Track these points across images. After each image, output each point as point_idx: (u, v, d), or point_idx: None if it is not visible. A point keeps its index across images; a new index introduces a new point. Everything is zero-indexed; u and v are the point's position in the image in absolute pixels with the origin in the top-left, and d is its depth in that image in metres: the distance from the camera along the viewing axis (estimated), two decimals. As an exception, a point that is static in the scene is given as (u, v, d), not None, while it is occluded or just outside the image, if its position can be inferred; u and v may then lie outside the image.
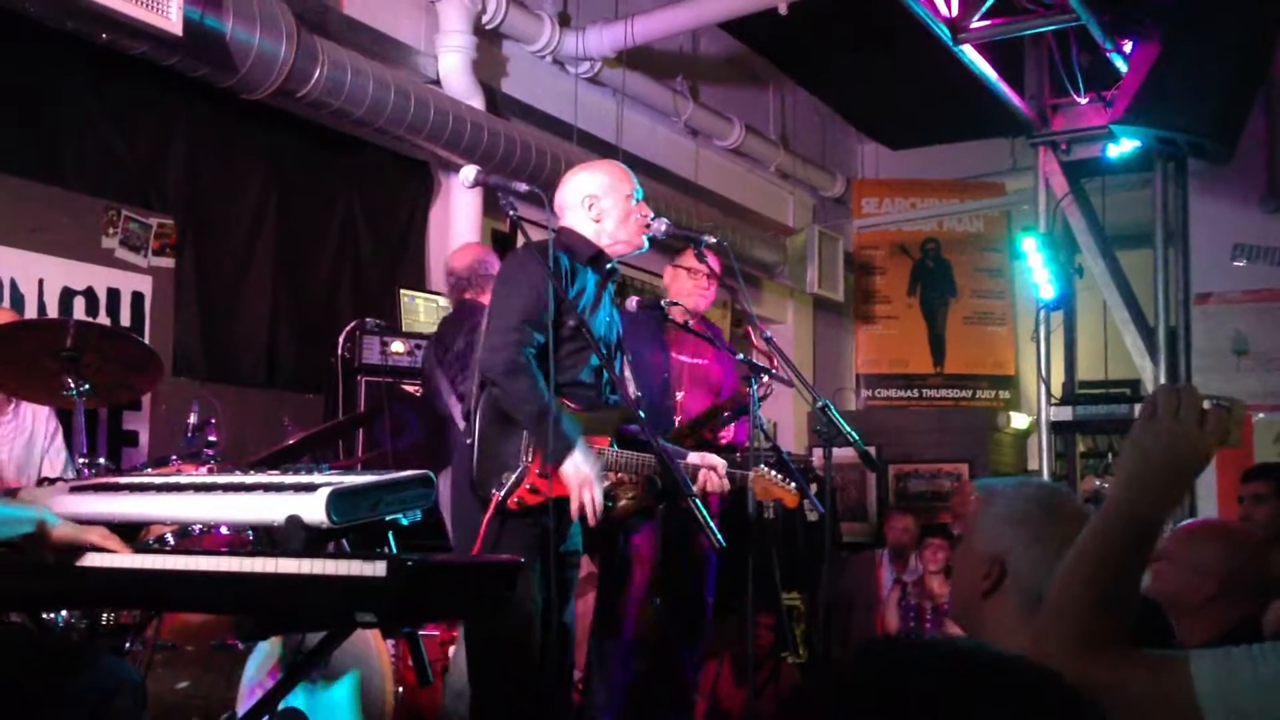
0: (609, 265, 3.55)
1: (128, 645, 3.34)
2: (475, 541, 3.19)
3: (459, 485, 3.39)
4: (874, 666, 0.80)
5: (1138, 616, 1.52)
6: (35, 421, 4.17)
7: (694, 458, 3.59)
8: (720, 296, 5.06)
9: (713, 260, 4.31)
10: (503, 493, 3.18)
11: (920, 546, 6.89)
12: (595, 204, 3.51)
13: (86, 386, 3.58)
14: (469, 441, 3.28)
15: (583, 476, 3.19)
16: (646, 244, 3.62)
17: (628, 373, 3.63)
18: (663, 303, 4.64)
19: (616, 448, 3.42)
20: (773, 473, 3.79)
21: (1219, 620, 2.51)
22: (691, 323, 4.71)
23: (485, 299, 4.49)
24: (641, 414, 3.30)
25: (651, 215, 3.59)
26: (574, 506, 3.20)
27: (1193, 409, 1.47)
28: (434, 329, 5.71)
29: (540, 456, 3.23)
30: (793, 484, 3.83)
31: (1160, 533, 1.52)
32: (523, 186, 3.35)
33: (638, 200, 3.56)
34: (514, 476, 3.20)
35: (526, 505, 3.24)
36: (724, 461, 3.64)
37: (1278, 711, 1.44)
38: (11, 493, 3.17)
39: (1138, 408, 6.32)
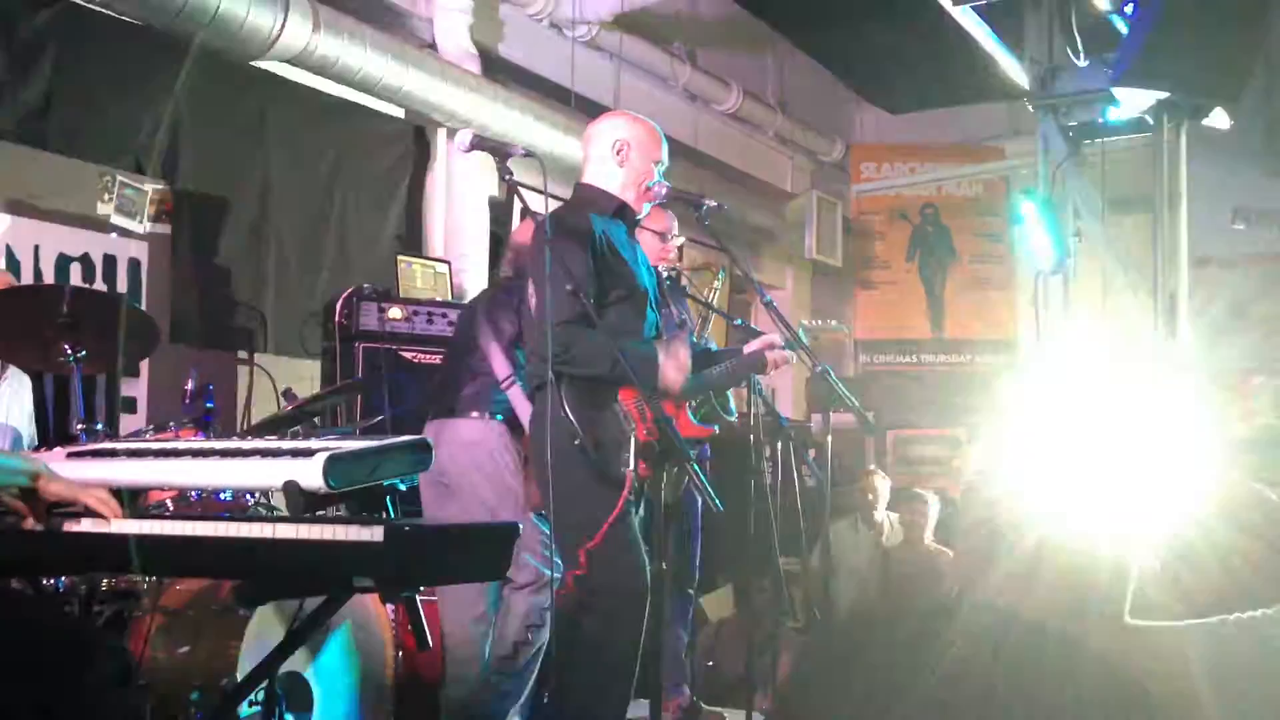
0: (636, 218, 3.58)
1: (126, 611, 3.35)
2: (602, 526, 3.21)
3: (572, 476, 3.29)
4: None
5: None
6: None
7: (755, 344, 3.75)
8: (719, 262, 5.05)
9: (665, 223, 4.37)
10: (632, 466, 3.20)
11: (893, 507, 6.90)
12: (626, 151, 3.53)
13: (83, 353, 3.57)
14: (577, 443, 3.25)
15: (679, 370, 3.34)
16: (645, 211, 3.65)
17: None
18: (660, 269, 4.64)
19: None
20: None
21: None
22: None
23: None
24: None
25: (662, 188, 3.61)
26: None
27: None
28: (431, 294, 5.70)
29: (639, 417, 3.26)
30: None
31: None
32: (519, 150, 3.34)
33: (659, 170, 3.59)
34: (633, 447, 3.22)
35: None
36: (777, 336, 3.76)
37: (1271, 677, 1.44)
38: None
39: (1136, 372, 6.32)
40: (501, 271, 4.80)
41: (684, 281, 4.71)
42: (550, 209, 3.32)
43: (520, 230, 4.91)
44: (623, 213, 3.54)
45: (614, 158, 3.53)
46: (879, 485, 7.02)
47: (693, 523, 4.60)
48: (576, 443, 3.25)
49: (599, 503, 3.24)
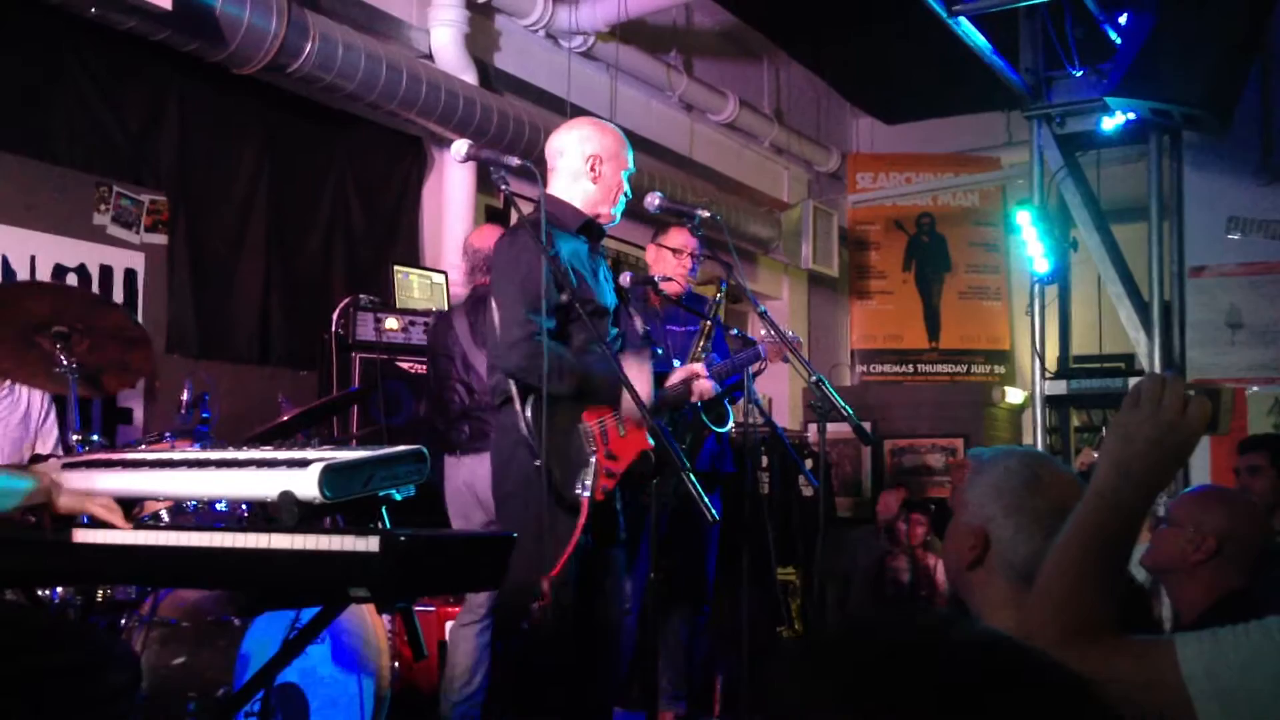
0: (603, 231, 3.54)
1: (123, 621, 3.35)
2: (561, 556, 3.15)
3: (531, 500, 3.21)
4: (851, 645, 0.79)
5: (1123, 602, 1.52)
6: (31, 397, 4.16)
7: (675, 376, 3.66)
8: (715, 272, 5.06)
9: (691, 240, 4.32)
10: (589, 491, 3.09)
11: (901, 520, 6.91)
12: (598, 165, 3.45)
13: (77, 365, 3.57)
14: (537, 464, 3.16)
15: (639, 372, 3.22)
16: (616, 219, 3.58)
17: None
18: (656, 278, 4.64)
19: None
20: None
21: (1214, 586, 2.52)
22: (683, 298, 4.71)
23: None
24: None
25: (628, 194, 3.55)
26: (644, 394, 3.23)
27: (1176, 397, 1.47)
28: (427, 305, 5.70)
29: (600, 439, 3.23)
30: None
31: (1144, 518, 1.53)
32: (515, 161, 3.34)
33: (627, 175, 3.54)
34: (590, 471, 3.11)
35: (609, 490, 3.24)
36: (699, 365, 3.73)
37: (1263, 690, 1.44)
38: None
39: (1132, 382, 6.32)
40: (474, 278, 4.60)
41: (676, 293, 4.70)
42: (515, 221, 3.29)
43: (479, 235, 4.80)
44: (587, 229, 3.49)
45: (587, 174, 3.45)
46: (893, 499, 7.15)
47: (707, 536, 4.57)
48: (537, 464, 3.15)
49: (557, 530, 3.13)
